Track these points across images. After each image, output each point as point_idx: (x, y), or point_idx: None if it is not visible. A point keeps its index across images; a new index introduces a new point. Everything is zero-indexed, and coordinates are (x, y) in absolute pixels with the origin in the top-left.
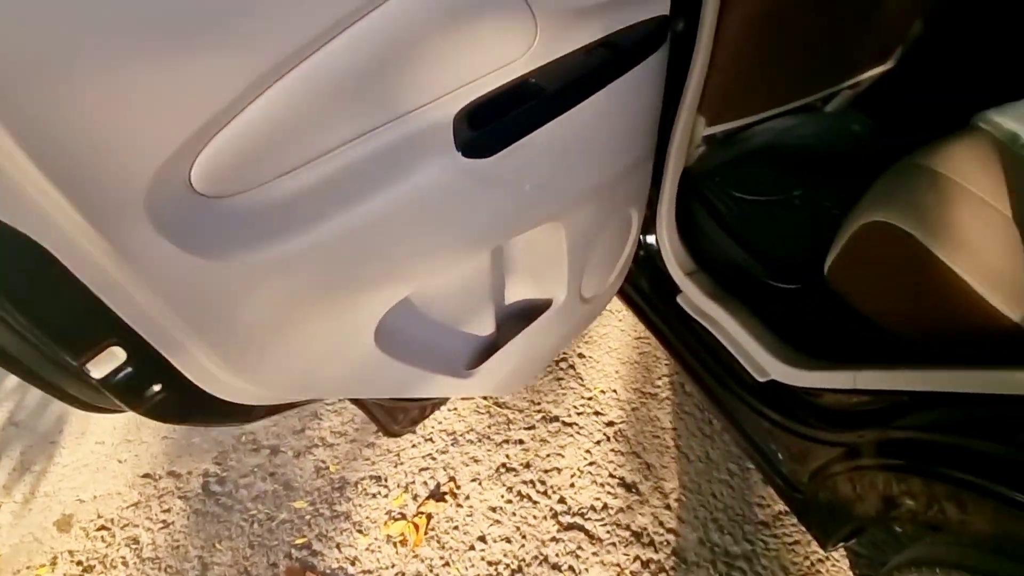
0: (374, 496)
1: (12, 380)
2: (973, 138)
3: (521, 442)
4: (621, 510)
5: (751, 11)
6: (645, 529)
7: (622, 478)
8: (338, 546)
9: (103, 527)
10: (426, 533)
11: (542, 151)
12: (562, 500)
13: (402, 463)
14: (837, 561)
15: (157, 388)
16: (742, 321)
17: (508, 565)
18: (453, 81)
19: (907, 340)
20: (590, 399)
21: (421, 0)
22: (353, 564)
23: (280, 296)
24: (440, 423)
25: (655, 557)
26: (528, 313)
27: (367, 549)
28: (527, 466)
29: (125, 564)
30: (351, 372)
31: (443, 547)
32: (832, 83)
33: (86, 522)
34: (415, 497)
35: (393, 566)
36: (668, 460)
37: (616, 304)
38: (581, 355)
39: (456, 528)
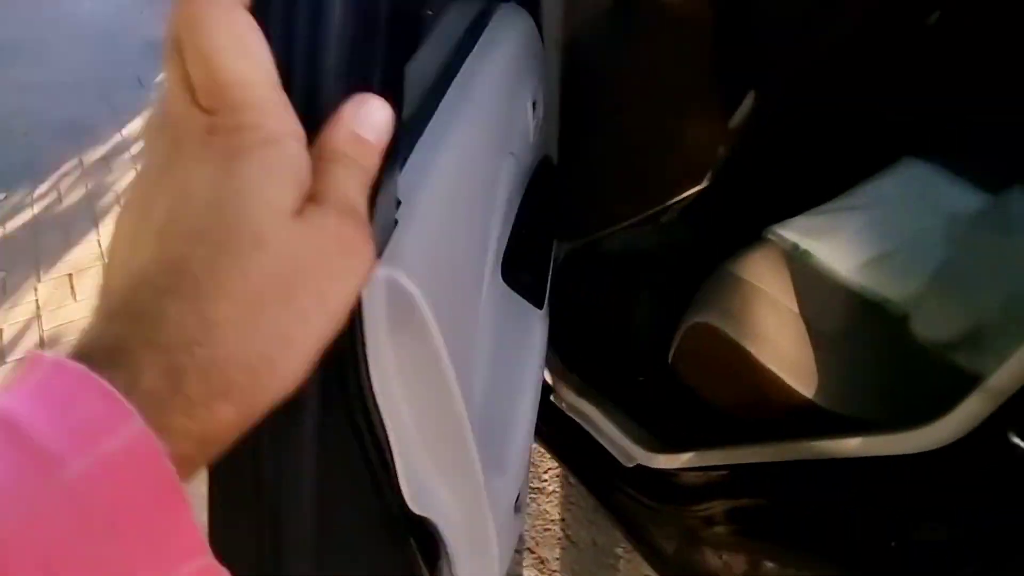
0: None
1: None
2: (766, 248)
3: None
4: None
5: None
6: None
7: (518, 575)
8: None
9: None
10: None
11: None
12: None
13: None
14: None
15: None
16: (607, 413)
17: None
18: (494, 242)
19: (740, 419)
20: None
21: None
22: None
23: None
24: None
25: None
26: None
27: None
28: None
29: None
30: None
31: None
32: (658, 202)
33: None
34: None
35: None
36: (559, 552)
37: None
38: None
39: None
